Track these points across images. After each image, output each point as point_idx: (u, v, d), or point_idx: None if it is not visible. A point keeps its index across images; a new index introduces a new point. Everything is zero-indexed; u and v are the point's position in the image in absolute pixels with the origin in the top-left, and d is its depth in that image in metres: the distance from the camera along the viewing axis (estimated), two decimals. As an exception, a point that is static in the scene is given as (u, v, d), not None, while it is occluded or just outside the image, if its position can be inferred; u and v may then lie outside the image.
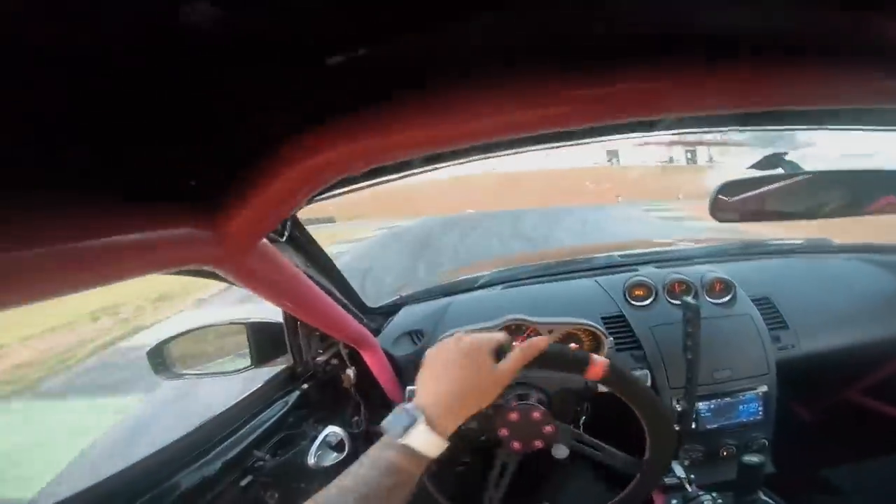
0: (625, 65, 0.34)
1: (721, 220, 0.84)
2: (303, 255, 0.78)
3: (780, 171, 0.89)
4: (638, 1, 0.32)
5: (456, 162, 0.67)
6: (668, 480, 0.98)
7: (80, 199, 0.31)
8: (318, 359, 1.03)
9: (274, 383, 1.00)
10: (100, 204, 0.32)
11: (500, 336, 0.61)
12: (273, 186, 0.39)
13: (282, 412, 0.95)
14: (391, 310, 1.23)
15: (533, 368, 0.62)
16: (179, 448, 0.75)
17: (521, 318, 1.07)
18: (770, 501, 0.91)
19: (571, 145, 0.69)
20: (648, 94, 0.36)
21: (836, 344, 1.15)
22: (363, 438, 1.06)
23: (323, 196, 0.63)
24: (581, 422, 0.95)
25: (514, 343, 0.62)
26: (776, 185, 0.87)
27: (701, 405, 1.10)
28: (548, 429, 0.76)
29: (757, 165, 0.90)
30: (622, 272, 1.25)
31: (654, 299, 1.16)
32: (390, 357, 1.09)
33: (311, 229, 0.80)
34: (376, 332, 1.14)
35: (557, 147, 0.68)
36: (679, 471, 1.00)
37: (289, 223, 0.67)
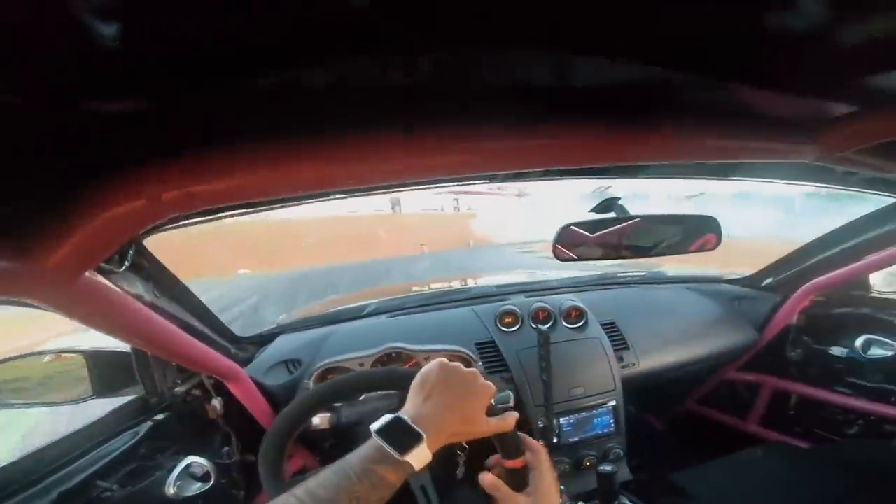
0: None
1: (562, 260, 0.95)
2: (152, 285, 0.74)
3: (612, 214, 1.03)
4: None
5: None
6: None
7: None
8: (176, 389, 0.97)
9: (121, 413, 0.93)
10: None
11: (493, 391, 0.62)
12: (97, 219, 0.38)
13: (131, 442, 0.89)
14: (265, 339, 1.20)
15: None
16: (4, 476, 0.67)
17: (400, 346, 1.12)
18: None
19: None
20: (510, 151, 0.42)
21: (669, 361, 1.33)
22: (238, 468, 1.02)
23: (164, 227, 0.62)
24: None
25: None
26: (609, 228, 0.98)
27: (563, 420, 1.20)
28: None
29: (595, 209, 1.04)
30: (496, 301, 1.35)
31: (520, 326, 1.27)
32: (262, 387, 1.05)
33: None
34: (247, 362, 1.11)
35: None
36: None
37: (131, 252, 0.64)
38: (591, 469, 1.17)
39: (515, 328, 1.26)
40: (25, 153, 0.36)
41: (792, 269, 1.47)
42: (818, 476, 1.12)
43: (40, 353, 0.88)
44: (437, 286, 1.72)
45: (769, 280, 1.56)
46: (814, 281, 1.39)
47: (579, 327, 1.28)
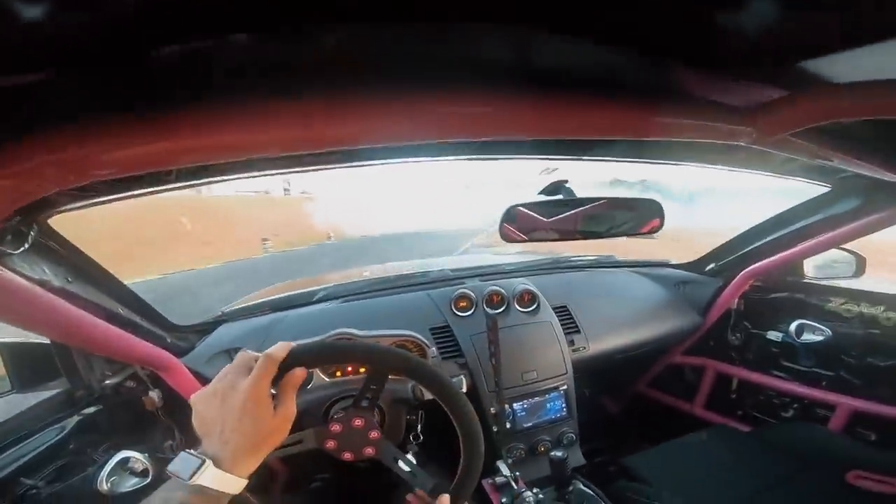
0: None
1: (509, 241, 0.95)
2: (63, 269, 0.68)
3: (560, 196, 1.02)
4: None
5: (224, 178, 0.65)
6: (497, 479, 1.05)
7: None
8: (106, 381, 0.91)
9: (45, 407, 0.88)
10: None
11: (258, 371, 0.54)
12: None
13: (58, 438, 0.84)
14: (206, 328, 1.15)
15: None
16: None
17: (349, 332, 1.08)
18: (586, 490, 1.01)
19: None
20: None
21: (618, 344, 1.36)
22: None
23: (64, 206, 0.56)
24: (417, 430, 0.97)
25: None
26: (555, 209, 0.98)
27: (516, 405, 1.21)
28: (373, 434, 0.74)
29: (543, 191, 1.03)
30: (451, 285, 1.34)
31: (475, 310, 1.26)
32: (201, 377, 1.01)
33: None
34: (187, 352, 1.05)
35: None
36: (504, 469, 1.08)
37: (32, 233, 0.58)
38: (546, 455, 1.17)
39: (470, 312, 1.26)
40: None
41: (732, 254, 1.53)
42: (759, 458, 1.17)
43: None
44: (394, 270, 1.68)
45: (712, 265, 1.62)
46: (752, 266, 1.45)
47: (532, 311, 1.29)
